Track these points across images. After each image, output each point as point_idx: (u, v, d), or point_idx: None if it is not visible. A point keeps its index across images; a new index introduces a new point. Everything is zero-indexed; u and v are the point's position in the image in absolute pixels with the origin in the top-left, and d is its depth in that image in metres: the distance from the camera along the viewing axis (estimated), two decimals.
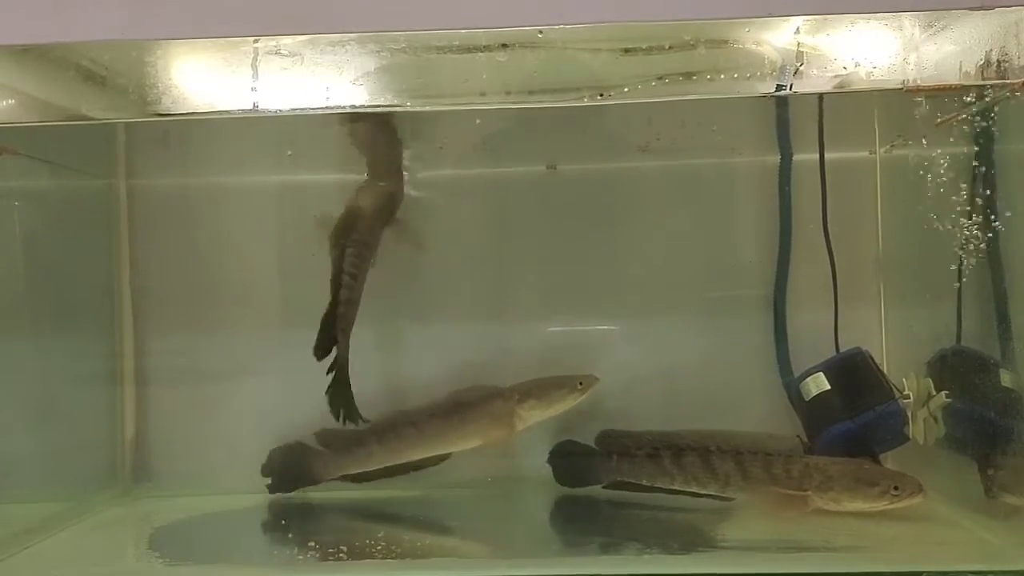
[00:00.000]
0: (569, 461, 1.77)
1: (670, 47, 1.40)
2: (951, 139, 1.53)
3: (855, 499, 1.54)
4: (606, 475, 1.73)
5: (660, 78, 1.43)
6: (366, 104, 1.45)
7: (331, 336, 1.70)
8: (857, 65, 1.39)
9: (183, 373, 1.92)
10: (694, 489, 1.65)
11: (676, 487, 1.66)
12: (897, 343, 1.84)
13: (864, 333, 1.82)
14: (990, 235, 1.52)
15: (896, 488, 1.52)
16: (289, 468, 1.78)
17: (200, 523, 1.76)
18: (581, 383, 1.74)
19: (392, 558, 1.49)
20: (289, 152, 1.88)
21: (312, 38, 1.34)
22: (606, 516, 1.71)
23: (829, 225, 1.83)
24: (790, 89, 1.44)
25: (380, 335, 1.89)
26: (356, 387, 1.72)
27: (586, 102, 1.44)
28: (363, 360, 1.81)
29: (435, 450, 1.76)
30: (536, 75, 1.41)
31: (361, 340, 1.79)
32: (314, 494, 1.81)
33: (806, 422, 1.73)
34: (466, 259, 1.93)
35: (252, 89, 1.43)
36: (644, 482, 1.69)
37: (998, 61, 1.37)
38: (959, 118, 1.50)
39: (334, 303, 1.71)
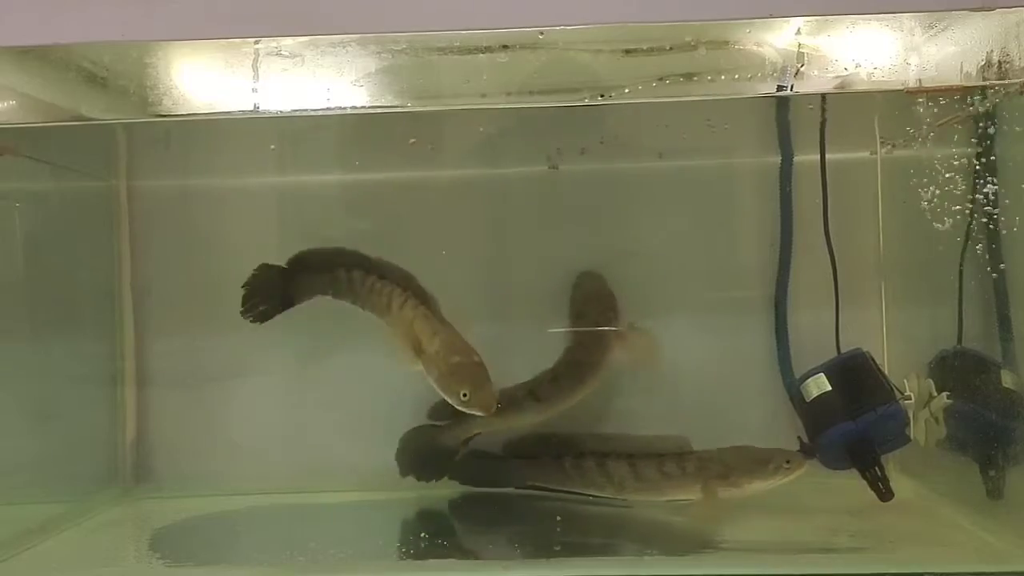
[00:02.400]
0: (474, 464, 1.79)
1: (671, 48, 1.40)
2: (952, 140, 1.53)
3: (753, 480, 1.59)
4: (517, 480, 1.76)
5: (661, 79, 1.43)
6: (367, 105, 1.46)
7: None
8: (858, 66, 1.39)
9: (184, 374, 1.92)
10: (593, 493, 1.69)
11: (577, 491, 1.70)
12: (898, 344, 1.84)
13: (865, 334, 1.81)
14: (991, 236, 1.52)
15: (788, 462, 1.58)
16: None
17: (201, 524, 1.76)
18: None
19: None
20: (272, 146, 1.87)
21: (313, 39, 1.34)
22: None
23: (830, 226, 1.83)
24: (791, 90, 1.44)
25: (380, 336, 1.89)
26: (354, 388, 1.72)
27: (587, 102, 1.45)
28: (362, 361, 1.82)
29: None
30: (537, 76, 1.41)
31: (360, 341, 1.80)
32: (319, 496, 1.81)
33: (807, 423, 1.73)
34: (466, 259, 1.93)
35: (253, 90, 1.43)
36: (551, 487, 1.73)
37: (999, 62, 1.37)
38: (960, 119, 1.50)
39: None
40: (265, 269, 1.71)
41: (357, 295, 1.68)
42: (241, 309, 1.69)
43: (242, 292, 1.69)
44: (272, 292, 1.70)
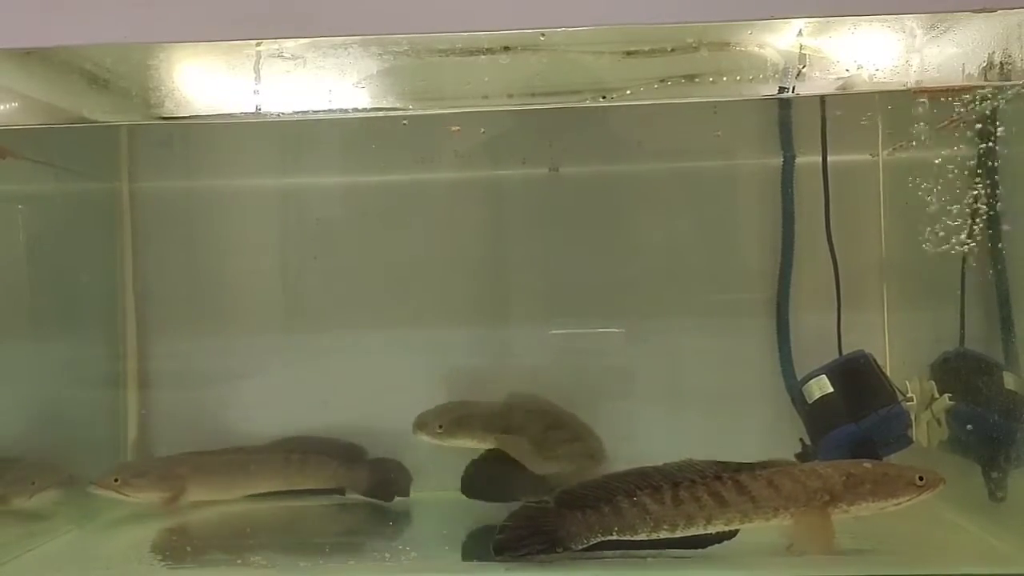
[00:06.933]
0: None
1: (672, 49, 1.40)
2: (954, 142, 1.53)
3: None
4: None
5: (662, 80, 1.43)
6: (369, 107, 1.46)
7: None
8: (860, 67, 1.39)
9: (186, 376, 1.92)
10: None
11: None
12: (900, 346, 1.84)
13: (867, 336, 1.81)
14: (993, 237, 1.51)
15: (921, 478, 1.40)
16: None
17: (203, 525, 1.76)
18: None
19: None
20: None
21: (315, 41, 1.34)
22: None
23: (832, 228, 1.83)
24: (793, 91, 1.44)
25: (382, 338, 1.89)
26: (353, 390, 1.72)
27: (588, 103, 1.45)
28: (363, 363, 1.82)
29: None
30: (538, 77, 1.41)
31: (361, 343, 1.80)
32: (321, 498, 1.82)
33: (809, 425, 1.73)
34: (468, 261, 1.93)
35: (255, 92, 1.43)
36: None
37: (1001, 63, 1.37)
38: (962, 120, 1.50)
39: None
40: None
41: None
42: None
43: None
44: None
